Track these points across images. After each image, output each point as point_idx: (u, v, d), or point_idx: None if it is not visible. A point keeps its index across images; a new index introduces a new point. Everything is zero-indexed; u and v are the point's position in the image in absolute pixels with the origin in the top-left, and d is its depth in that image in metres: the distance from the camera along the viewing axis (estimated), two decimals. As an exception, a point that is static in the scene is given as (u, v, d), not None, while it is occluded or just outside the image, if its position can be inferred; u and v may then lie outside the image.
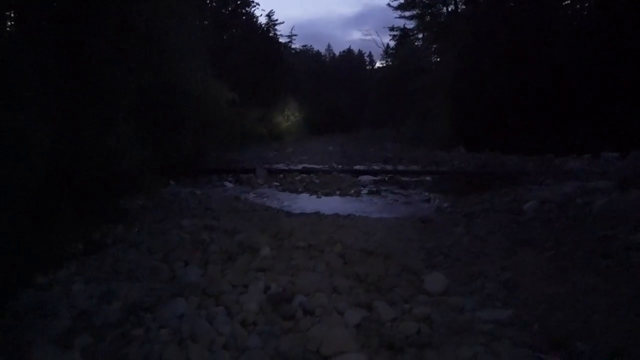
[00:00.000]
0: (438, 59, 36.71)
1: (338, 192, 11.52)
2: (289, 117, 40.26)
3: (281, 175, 14.12)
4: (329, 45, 74.54)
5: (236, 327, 3.59)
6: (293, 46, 51.54)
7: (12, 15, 11.29)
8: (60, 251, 6.13)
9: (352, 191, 11.61)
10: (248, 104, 24.27)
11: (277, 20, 40.03)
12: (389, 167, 16.10)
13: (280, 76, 39.44)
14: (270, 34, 39.94)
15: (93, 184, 10.17)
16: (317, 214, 8.28)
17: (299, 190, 11.97)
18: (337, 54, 72.16)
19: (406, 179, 13.66)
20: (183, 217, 7.91)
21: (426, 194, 11.44)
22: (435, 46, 36.76)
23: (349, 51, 71.62)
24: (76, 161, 10.04)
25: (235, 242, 6.12)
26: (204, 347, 3.29)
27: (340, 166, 16.50)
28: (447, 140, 23.98)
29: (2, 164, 7.52)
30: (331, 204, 10.00)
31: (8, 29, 10.98)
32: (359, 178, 13.68)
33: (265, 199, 10.79)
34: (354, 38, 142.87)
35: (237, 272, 4.85)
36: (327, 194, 11.35)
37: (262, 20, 39.09)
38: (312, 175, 14.20)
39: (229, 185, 12.56)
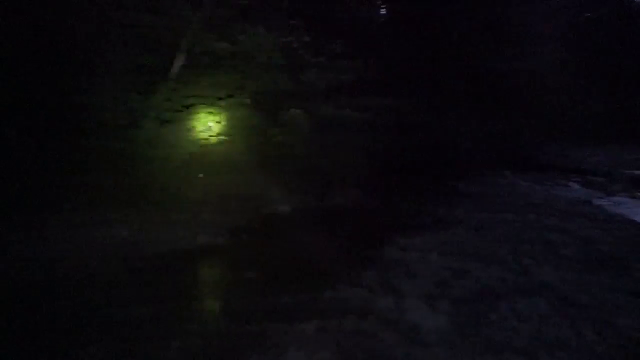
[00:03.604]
0: None
1: None
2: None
3: (647, 185, 11.47)
4: None
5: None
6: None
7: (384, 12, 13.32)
8: (415, 221, 6.91)
9: None
10: (601, 94, 20.65)
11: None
12: None
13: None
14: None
15: (432, 164, 11.08)
16: None
17: (675, 206, 9.42)
18: None
19: None
20: (526, 211, 7.53)
21: None
22: None
23: None
24: (418, 140, 11.14)
25: (594, 252, 5.37)
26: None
27: None
28: None
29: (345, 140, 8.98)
30: None
31: (381, 22, 13.05)
32: None
33: (626, 210, 9.01)
34: None
35: (603, 287, 4.23)
36: None
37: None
38: (695, 190, 10.94)
39: (575, 186, 11.13)
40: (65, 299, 4.01)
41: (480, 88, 13.56)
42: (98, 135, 6.61)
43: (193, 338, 3.50)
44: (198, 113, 7.05)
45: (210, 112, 7.12)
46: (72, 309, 3.84)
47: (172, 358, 3.32)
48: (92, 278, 4.56)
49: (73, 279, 4.45)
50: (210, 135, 7.03)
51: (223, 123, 7.18)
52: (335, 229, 6.48)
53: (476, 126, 13.39)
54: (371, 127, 8.51)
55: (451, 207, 7.85)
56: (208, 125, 7.08)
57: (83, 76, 6.54)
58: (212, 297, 4.17)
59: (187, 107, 7.05)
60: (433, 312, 3.73)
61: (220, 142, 7.07)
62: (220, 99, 7.29)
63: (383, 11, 13.24)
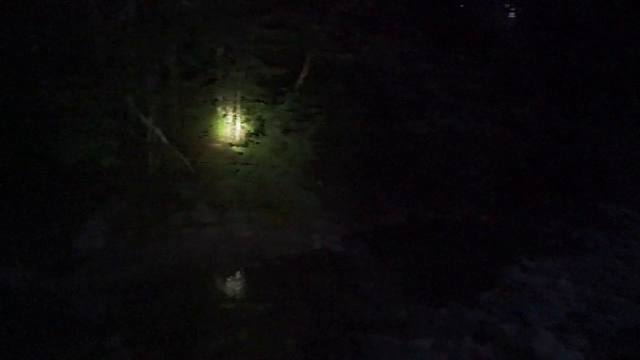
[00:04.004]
0: None
1: None
2: None
3: None
4: None
5: None
6: None
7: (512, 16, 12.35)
8: (544, 242, 6.28)
9: None
10: None
11: None
12: None
13: None
14: None
15: (568, 179, 9.89)
16: None
17: None
18: None
19: None
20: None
21: None
22: None
23: None
24: (551, 153, 10.02)
25: None
26: None
27: None
28: None
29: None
30: None
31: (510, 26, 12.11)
32: None
33: None
34: None
35: None
36: None
37: None
38: None
39: None
40: (188, 291, 4.41)
41: (628, 96, 11.87)
42: (225, 142, 7.24)
43: (305, 340, 3.60)
44: (319, 122, 7.29)
45: (330, 122, 7.32)
46: (192, 301, 4.21)
47: (284, 357, 3.45)
48: (215, 273, 4.98)
49: (199, 273, 4.89)
50: (330, 144, 7.22)
51: (343, 132, 7.33)
52: (453, 244, 6.19)
53: (622, 137, 11.73)
54: (498, 139, 7.96)
55: (589, 230, 6.98)
56: (328, 134, 7.29)
57: (215, 88, 7.21)
58: (325, 302, 4.25)
59: (309, 116, 7.34)
60: (565, 346, 3.35)
61: (339, 151, 7.22)
62: (341, 108, 7.46)
63: (512, 15, 12.37)
